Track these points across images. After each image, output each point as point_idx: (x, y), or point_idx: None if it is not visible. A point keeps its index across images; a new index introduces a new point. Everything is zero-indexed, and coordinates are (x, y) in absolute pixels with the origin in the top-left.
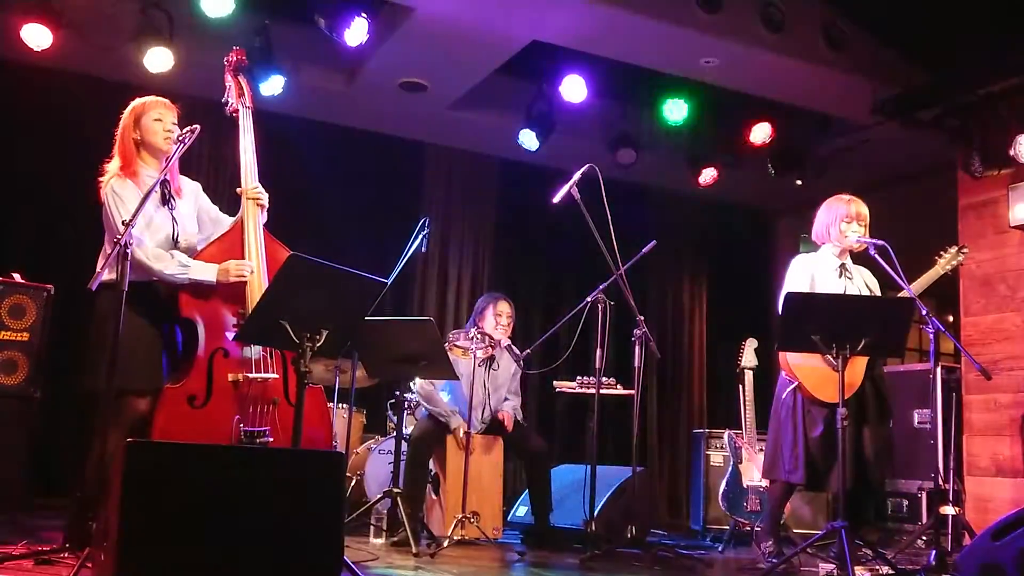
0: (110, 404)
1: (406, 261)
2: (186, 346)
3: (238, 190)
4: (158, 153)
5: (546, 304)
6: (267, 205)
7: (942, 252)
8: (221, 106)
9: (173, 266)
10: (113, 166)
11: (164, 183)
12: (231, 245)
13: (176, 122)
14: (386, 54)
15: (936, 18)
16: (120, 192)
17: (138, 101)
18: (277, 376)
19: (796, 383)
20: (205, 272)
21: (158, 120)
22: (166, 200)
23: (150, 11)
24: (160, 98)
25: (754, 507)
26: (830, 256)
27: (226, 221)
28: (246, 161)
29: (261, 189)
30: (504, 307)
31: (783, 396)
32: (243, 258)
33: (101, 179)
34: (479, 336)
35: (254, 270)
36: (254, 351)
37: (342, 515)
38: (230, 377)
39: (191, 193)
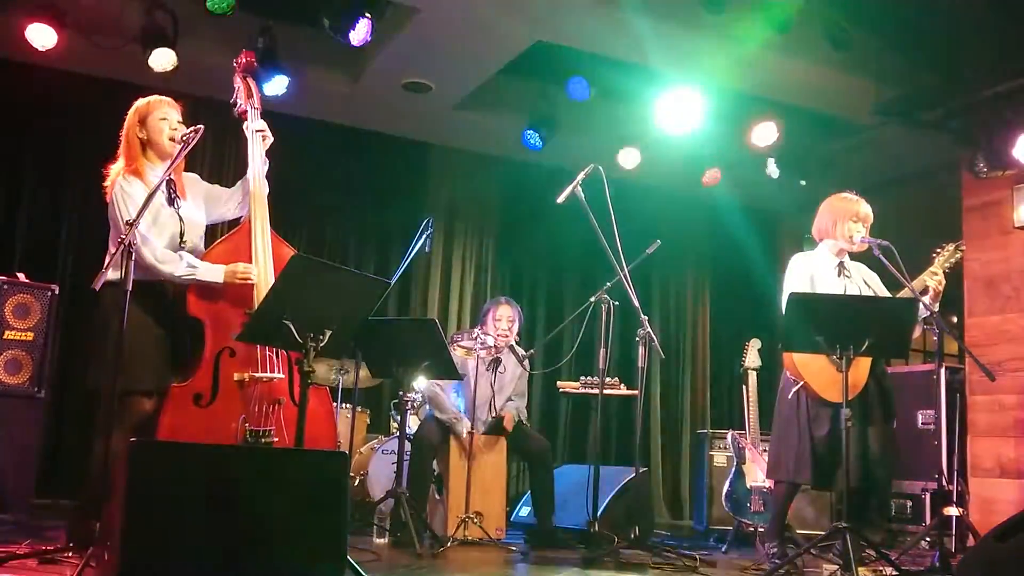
0: (113, 403)
1: (410, 261)
2: (193, 345)
3: (244, 127)
4: (163, 153)
5: (550, 304)
6: (271, 139)
7: (939, 249)
8: (224, 105)
9: (181, 268)
10: (117, 166)
11: (169, 183)
12: (238, 245)
13: (181, 120)
14: (390, 54)
15: (940, 18)
16: (128, 190)
17: (142, 101)
18: (283, 376)
19: (801, 383)
20: (212, 273)
21: (163, 119)
22: (172, 200)
23: (154, 11)
24: (164, 97)
25: (757, 508)
26: (828, 254)
27: (226, 191)
28: (252, 114)
29: (267, 127)
30: (504, 311)
31: (788, 396)
32: (250, 258)
33: (106, 181)
34: (482, 337)
35: (259, 274)
36: (260, 351)
37: (345, 515)
38: (236, 377)
39: (194, 189)
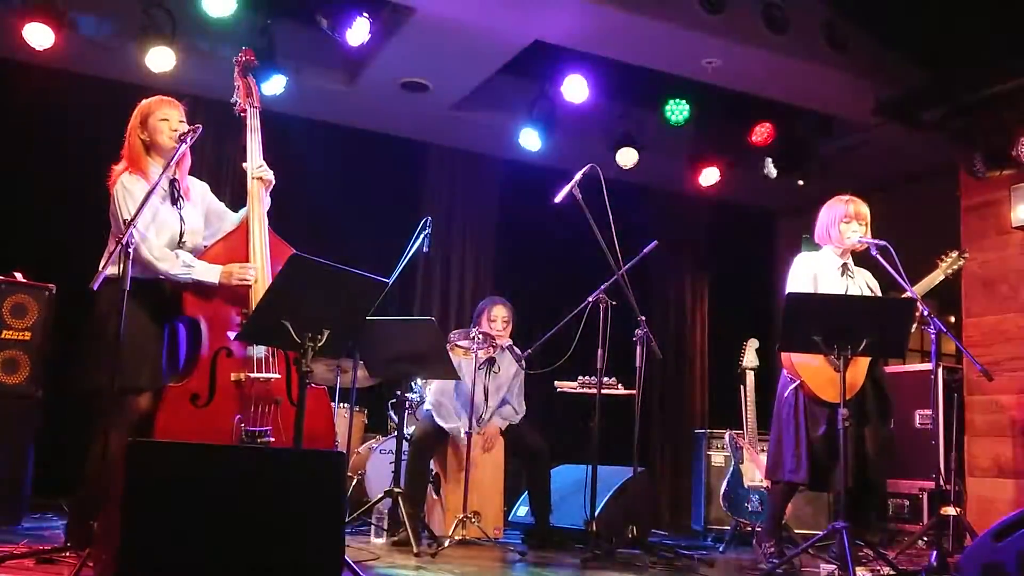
0: (112, 402)
1: (408, 261)
2: (189, 345)
3: (244, 164)
4: (165, 153)
5: (548, 304)
6: (273, 182)
7: (943, 256)
8: (223, 105)
9: (177, 266)
10: (121, 167)
11: (173, 183)
12: (236, 245)
13: (183, 119)
14: (388, 54)
15: (938, 18)
16: (130, 187)
17: (144, 102)
18: (280, 376)
19: (798, 381)
20: (208, 273)
21: (164, 120)
22: (175, 200)
23: (152, 11)
24: (165, 97)
25: (755, 507)
26: (832, 255)
27: (231, 216)
28: (252, 148)
29: (266, 167)
30: (499, 311)
31: (785, 395)
32: (247, 258)
33: (110, 178)
34: (480, 336)
35: (256, 274)
36: (257, 351)
37: (343, 515)
38: (233, 377)
39: (199, 194)
